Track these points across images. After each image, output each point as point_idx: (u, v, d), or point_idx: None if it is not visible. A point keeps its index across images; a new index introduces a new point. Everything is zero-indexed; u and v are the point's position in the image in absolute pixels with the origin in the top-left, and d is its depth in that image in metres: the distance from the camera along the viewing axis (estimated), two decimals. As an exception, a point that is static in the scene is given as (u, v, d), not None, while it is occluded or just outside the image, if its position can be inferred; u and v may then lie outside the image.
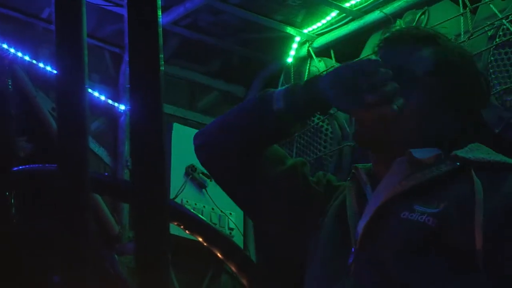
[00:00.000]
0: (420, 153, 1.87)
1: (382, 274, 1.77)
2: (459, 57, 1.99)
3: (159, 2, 0.75)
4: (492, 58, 2.43)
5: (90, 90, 3.41)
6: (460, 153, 1.86)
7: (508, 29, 2.39)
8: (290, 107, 2.11)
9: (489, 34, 2.45)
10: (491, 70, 2.42)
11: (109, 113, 3.51)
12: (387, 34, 2.04)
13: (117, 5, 3.37)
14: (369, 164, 2.03)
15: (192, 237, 1.28)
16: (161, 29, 0.75)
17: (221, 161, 2.17)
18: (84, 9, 0.75)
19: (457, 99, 1.96)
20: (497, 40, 2.42)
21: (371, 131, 1.92)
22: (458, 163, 1.84)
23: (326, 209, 2.03)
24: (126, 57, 3.55)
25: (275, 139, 2.22)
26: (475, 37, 2.50)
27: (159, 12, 0.75)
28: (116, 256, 2.76)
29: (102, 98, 3.46)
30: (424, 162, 1.86)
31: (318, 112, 2.25)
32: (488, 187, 1.78)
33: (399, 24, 2.86)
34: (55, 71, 0.74)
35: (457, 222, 1.74)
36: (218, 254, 1.21)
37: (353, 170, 2.01)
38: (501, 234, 1.73)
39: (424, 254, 1.74)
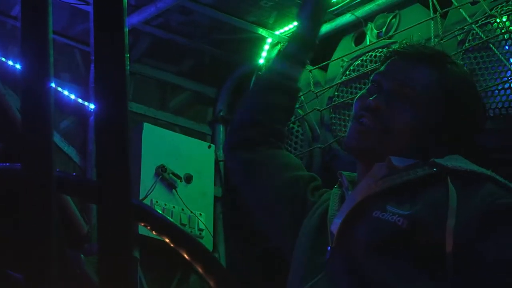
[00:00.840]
0: (399, 161, 1.90)
1: (354, 270, 1.80)
2: (462, 84, 2.01)
3: (126, 1, 0.75)
4: (461, 62, 2.45)
5: (60, 89, 3.38)
6: (438, 160, 1.88)
7: (477, 33, 2.41)
8: (287, 57, 2.26)
9: (458, 39, 2.47)
10: (460, 74, 2.44)
11: (79, 112, 3.48)
12: (397, 46, 2.06)
13: (88, 3, 3.35)
14: (355, 174, 2.06)
15: (160, 238, 1.27)
16: (127, 27, 0.75)
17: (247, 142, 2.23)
18: (50, 6, 0.75)
19: (452, 125, 1.99)
20: (466, 44, 2.44)
21: (361, 142, 1.95)
22: (435, 169, 1.86)
23: (311, 213, 2.07)
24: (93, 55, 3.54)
25: (286, 95, 2.28)
26: (445, 41, 2.52)
27: (125, 11, 0.75)
28: (83, 256, 2.74)
29: (72, 97, 3.43)
30: (402, 168, 1.88)
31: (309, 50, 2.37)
32: (463, 195, 1.80)
33: (370, 28, 2.87)
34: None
35: (429, 225, 1.76)
36: (185, 255, 1.20)
37: (338, 177, 2.05)
38: (472, 241, 1.75)
39: (392, 253, 1.76)
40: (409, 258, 1.76)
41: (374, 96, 1.97)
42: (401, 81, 1.95)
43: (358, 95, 2.04)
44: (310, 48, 2.36)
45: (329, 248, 1.89)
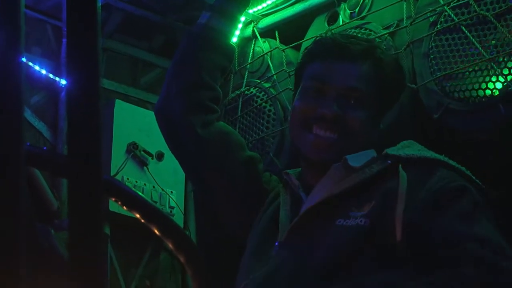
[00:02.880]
0: (355, 159, 1.91)
1: (303, 266, 1.82)
2: (394, 72, 2.06)
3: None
4: (433, 44, 2.46)
5: (31, 64, 3.36)
6: (391, 151, 1.90)
7: (449, 15, 2.42)
8: (215, 11, 2.26)
9: (431, 20, 2.48)
10: (431, 56, 2.45)
11: (50, 88, 3.46)
12: (325, 45, 2.05)
13: (60, -22, 3.32)
14: (298, 169, 2.08)
15: (130, 215, 1.27)
16: (99, 2, 0.75)
17: (180, 115, 2.19)
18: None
19: (387, 112, 2.04)
20: (438, 26, 2.45)
21: (322, 156, 1.96)
22: (389, 161, 1.88)
23: (266, 208, 2.08)
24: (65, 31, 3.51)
25: (218, 53, 2.26)
26: (417, 23, 2.53)
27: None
28: (52, 231, 2.73)
29: (43, 72, 3.41)
30: (358, 168, 1.90)
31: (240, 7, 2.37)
32: (415, 181, 1.83)
33: (343, 8, 2.88)
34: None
35: (382, 216, 1.79)
36: (156, 231, 1.20)
37: (284, 176, 2.06)
38: (424, 222, 1.77)
39: (357, 254, 1.78)
40: (373, 253, 1.78)
41: (322, 104, 1.97)
42: (346, 84, 1.96)
43: (297, 98, 2.04)
44: (244, 4, 2.36)
45: (276, 243, 1.91)
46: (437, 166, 1.87)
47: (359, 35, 2.69)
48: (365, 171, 1.89)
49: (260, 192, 2.14)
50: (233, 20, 2.35)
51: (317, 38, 2.30)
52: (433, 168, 1.86)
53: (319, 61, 2.02)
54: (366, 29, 2.71)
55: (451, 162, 1.89)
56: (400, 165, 1.85)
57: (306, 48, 2.18)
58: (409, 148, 1.93)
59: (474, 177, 1.89)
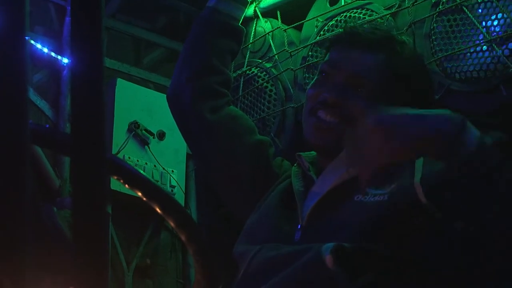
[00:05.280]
0: None
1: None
2: (410, 65, 2.01)
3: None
4: (435, 25, 2.46)
5: (33, 42, 3.35)
6: None
7: (451, -4, 2.42)
8: None
9: (432, 1, 2.48)
10: (433, 37, 2.45)
11: (52, 66, 3.46)
12: (345, 33, 2.04)
13: (63, -44, 3.32)
14: (313, 153, 2.07)
15: (132, 193, 1.28)
16: (103, -18, 0.75)
17: (193, 96, 2.20)
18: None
19: (402, 105, 2.00)
20: (440, 7, 2.45)
21: (322, 139, 1.96)
22: None
23: (273, 187, 2.08)
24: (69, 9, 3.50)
25: (227, 36, 2.26)
26: (419, 3, 2.53)
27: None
28: (55, 209, 2.74)
29: (45, 50, 3.41)
30: None
31: None
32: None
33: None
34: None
35: (404, 191, 1.77)
36: (157, 209, 1.21)
37: (296, 158, 2.06)
38: (443, 187, 1.74)
39: (379, 228, 1.77)
40: (396, 229, 1.76)
41: (328, 88, 1.96)
42: (354, 72, 1.95)
43: (310, 86, 2.04)
44: None
45: (299, 226, 1.89)
46: None
47: (360, 15, 2.68)
48: None
49: (270, 176, 2.15)
50: (241, 3, 2.36)
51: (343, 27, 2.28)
52: None
53: (336, 48, 2.02)
54: (368, 9, 2.70)
55: None
56: None
57: (331, 36, 2.19)
58: None
59: None
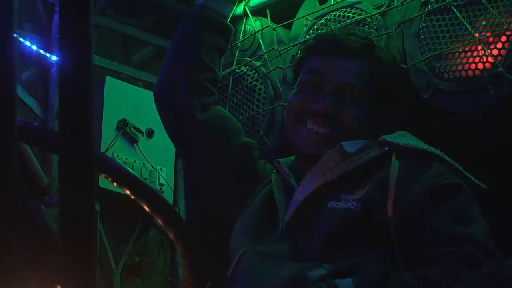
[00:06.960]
0: (350, 145, 1.93)
1: (300, 256, 1.84)
2: (391, 69, 2.08)
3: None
4: (423, 24, 2.46)
5: (21, 39, 3.34)
6: (389, 138, 1.92)
7: (440, -4, 2.42)
8: None
9: (421, 1, 2.49)
10: (422, 36, 2.46)
11: (41, 63, 3.45)
12: (325, 41, 2.07)
13: (52, -47, 3.31)
14: (291, 158, 2.10)
15: (120, 191, 1.28)
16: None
17: (180, 91, 2.20)
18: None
19: (385, 107, 2.05)
20: (429, 6, 2.46)
21: (316, 150, 1.98)
22: (386, 148, 1.90)
23: (256, 193, 2.10)
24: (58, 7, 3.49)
25: (215, 33, 2.27)
26: (408, 3, 2.53)
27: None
28: (43, 207, 2.73)
29: (34, 48, 3.40)
30: (353, 153, 1.92)
31: None
32: (409, 172, 1.84)
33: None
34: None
35: (376, 203, 1.81)
36: (145, 208, 1.21)
37: (275, 164, 2.08)
38: (416, 216, 1.79)
39: (348, 236, 1.80)
40: (363, 237, 1.80)
41: (316, 99, 1.99)
42: (340, 81, 1.99)
43: (293, 94, 2.06)
44: None
45: (278, 231, 1.92)
46: (433, 160, 1.89)
47: (350, 14, 2.69)
48: (361, 156, 1.90)
49: (254, 178, 2.16)
50: (230, 0, 2.37)
51: (317, 34, 2.31)
52: (429, 161, 1.88)
53: (318, 56, 2.04)
54: (357, 8, 2.70)
55: (446, 157, 1.91)
56: (394, 154, 1.87)
57: (306, 43, 2.21)
58: (406, 138, 1.95)
59: (466, 173, 1.91)
